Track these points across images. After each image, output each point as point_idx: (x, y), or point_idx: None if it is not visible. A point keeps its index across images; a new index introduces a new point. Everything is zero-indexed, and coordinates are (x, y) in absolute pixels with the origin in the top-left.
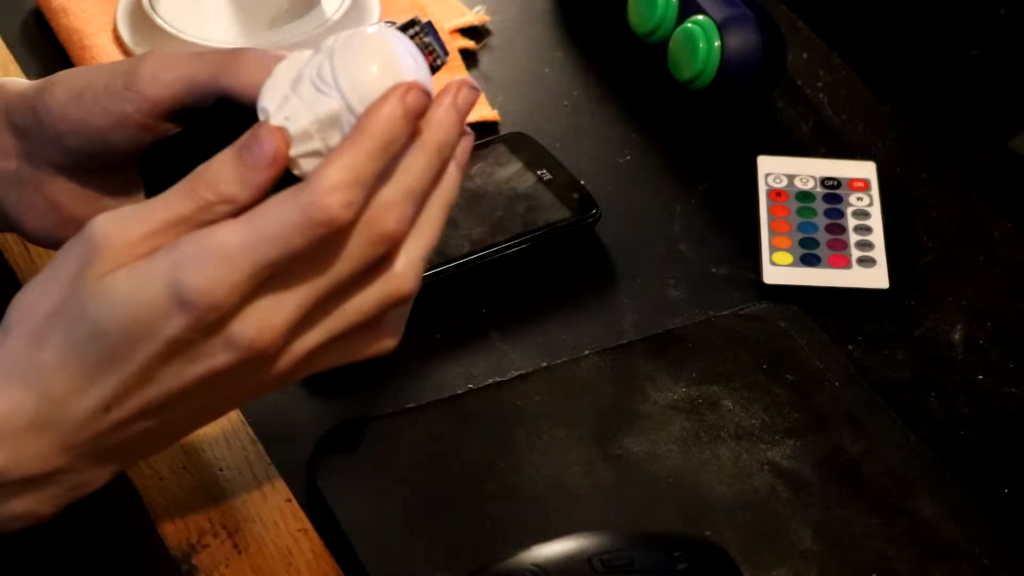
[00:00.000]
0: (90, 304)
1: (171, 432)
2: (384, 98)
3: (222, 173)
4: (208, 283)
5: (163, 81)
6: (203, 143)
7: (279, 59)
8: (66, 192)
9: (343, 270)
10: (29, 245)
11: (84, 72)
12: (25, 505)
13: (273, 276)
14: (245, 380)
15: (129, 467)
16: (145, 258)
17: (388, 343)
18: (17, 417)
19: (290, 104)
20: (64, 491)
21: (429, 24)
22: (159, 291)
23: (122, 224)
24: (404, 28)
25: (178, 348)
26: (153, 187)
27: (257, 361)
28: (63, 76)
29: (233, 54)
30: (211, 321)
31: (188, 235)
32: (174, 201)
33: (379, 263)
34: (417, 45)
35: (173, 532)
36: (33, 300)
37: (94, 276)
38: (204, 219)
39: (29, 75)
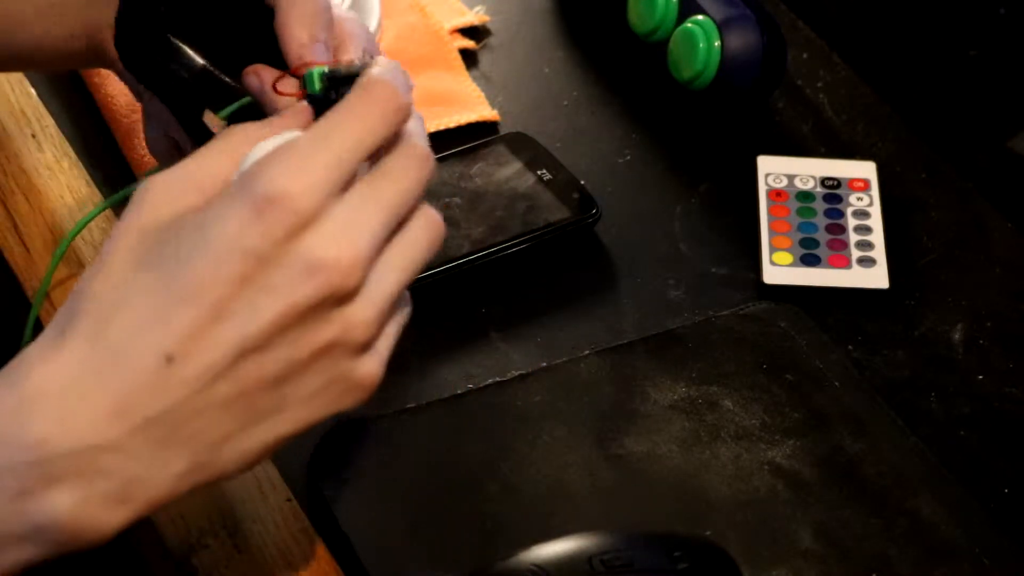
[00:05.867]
0: (146, 237)
1: (247, 436)
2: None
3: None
4: (283, 179)
5: None
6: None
7: None
8: None
9: (405, 192)
10: (29, 245)
11: None
12: (67, 502)
13: (348, 183)
14: (330, 356)
15: (198, 478)
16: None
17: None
18: (64, 371)
19: None
20: (116, 488)
21: None
22: (231, 203)
23: (164, 173)
24: None
25: (253, 270)
26: (129, 59)
27: (339, 306)
28: None
29: None
30: (290, 226)
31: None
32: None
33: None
34: None
35: (173, 532)
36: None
37: (149, 212)
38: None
39: (29, 75)
